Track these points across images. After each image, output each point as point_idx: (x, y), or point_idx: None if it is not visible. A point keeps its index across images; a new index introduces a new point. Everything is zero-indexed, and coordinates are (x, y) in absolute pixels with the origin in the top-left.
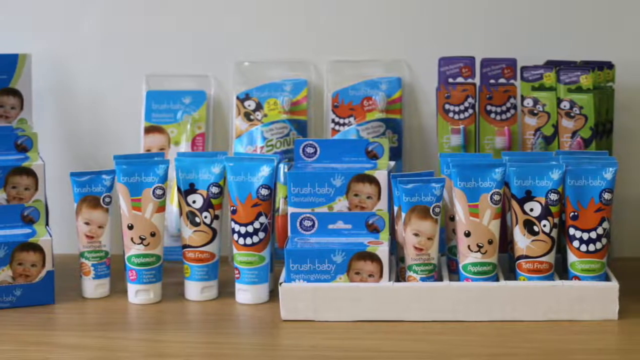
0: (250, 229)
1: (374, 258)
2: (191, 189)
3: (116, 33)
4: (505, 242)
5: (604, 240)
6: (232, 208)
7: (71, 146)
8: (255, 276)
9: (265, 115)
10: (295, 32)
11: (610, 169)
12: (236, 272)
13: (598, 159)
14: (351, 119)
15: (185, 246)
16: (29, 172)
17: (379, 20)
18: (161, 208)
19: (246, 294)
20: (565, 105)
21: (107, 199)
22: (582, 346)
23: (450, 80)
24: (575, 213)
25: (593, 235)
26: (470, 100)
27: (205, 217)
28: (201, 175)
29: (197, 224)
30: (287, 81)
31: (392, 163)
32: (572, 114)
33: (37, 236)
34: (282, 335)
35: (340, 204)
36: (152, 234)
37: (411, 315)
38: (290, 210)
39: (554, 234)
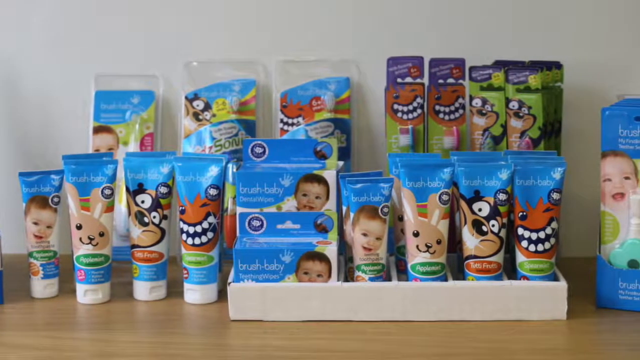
0: (198, 229)
1: (322, 258)
2: (140, 189)
3: (65, 33)
4: (454, 242)
5: (552, 240)
6: (180, 208)
7: (20, 146)
8: (204, 276)
9: (214, 115)
10: (244, 32)
11: (559, 168)
12: (185, 272)
13: (546, 159)
14: (300, 119)
15: (133, 246)
16: None
17: (327, 20)
18: (110, 208)
19: (195, 293)
20: (513, 105)
21: (55, 199)
22: (531, 346)
23: (399, 80)
24: (524, 213)
25: (542, 235)
26: (418, 100)
27: (154, 217)
28: (150, 175)
29: (146, 224)
30: (236, 81)
31: (341, 163)
32: (520, 114)
33: None
34: (231, 335)
35: (289, 204)
36: (101, 234)
37: (360, 315)
38: (239, 210)
39: (502, 234)
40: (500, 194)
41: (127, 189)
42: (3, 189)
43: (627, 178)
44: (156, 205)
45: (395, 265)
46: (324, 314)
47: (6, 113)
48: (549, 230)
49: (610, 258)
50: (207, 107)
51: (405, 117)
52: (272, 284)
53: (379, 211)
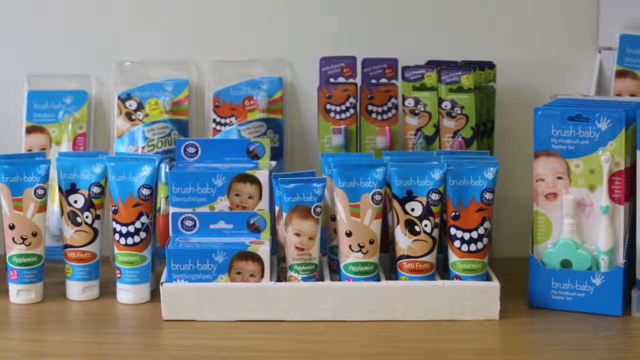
0: (131, 228)
1: (255, 258)
2: (72, 189)
3: None
4: (387, 242)
5: (485, 240)
6: (113, 208)
7: None
8: (137, 276)
9: (147, 115)
10: (177, 32)
11: (491, 168)
12: (117, 272)
13: (479, 159)
14: (232, 119)
15: (66, 246)
16: None
17: (260, 20)
18: (42, 208)
19: (127, 293)
20: (446, 105)
21: None
22: (463, 346)
23: (332, 80)
24: (457, 213)
25: (474, 235)
26: (351, 100)
27: (87, 217)
28: (82, 175)
29: (79, 224)
30: (169, 81)
31: (274, 163)
32: (453, 114)
33: None
34: (164, 335)
35: (222, 204)
36: (34, 234)
37: (293, 315)
38: (172, 210)
39: (435, 233)
40: (433, 193)
41: (60, 189)
42: None
43: (559, 178)
44: (89, 205)
45: (328, 265)
46: (257, 314)
47: None
48: (481, 230)
49: (543, 258)
50: (140, 107)
51: (338, 117)
52: (204, 284)
53: (312, 211)
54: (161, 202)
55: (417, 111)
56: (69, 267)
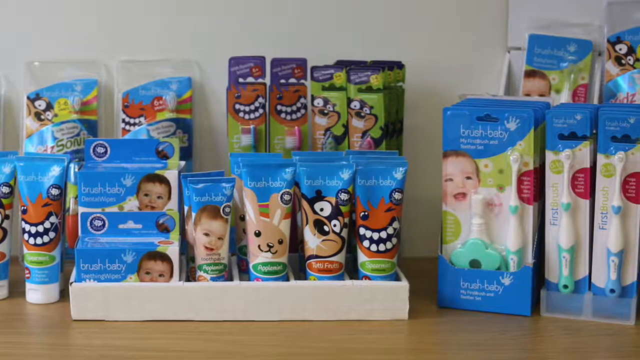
0: (40, 228)
1: (164, 258)
2: None
3: None
4: (296, 241)
5: (394, 240)
6: (22, 208)
7: None
8: (46, 276)
9: (56, 115)
10: (86, 32)
11: (401, 168)
12: (26, 271)
13: (388, 159)
14: (142, 119)
15: None
16: None
17: (169, 20)
18: None
19: (37, 293)
20: (355, 105)
21: None
22: (372, 346)
23: (241, 80)
24: (366, 213)
25: (383, 235)
26: (260, 100)
27: None
28: None
29: None
30: (78, 81)
31: (183, 163)
32: (362, 114)
33: None
34: (73, 335)
35: (131, 204)
36: None
37: (202, 315)
38: (81, 210)
39: (344, 233)
40: (342, 193)
41: None
42: None
43: (468, 178)
44: None
45: (237, 265)
46: (166, 313)
47: None
48: (390, 230)
49: (452, 258)
50: (49, 107)
51: (247, 117)
52: (113, 284)
53: (221, 211)
54: (70, 202)
55: (326, 111)
56: None
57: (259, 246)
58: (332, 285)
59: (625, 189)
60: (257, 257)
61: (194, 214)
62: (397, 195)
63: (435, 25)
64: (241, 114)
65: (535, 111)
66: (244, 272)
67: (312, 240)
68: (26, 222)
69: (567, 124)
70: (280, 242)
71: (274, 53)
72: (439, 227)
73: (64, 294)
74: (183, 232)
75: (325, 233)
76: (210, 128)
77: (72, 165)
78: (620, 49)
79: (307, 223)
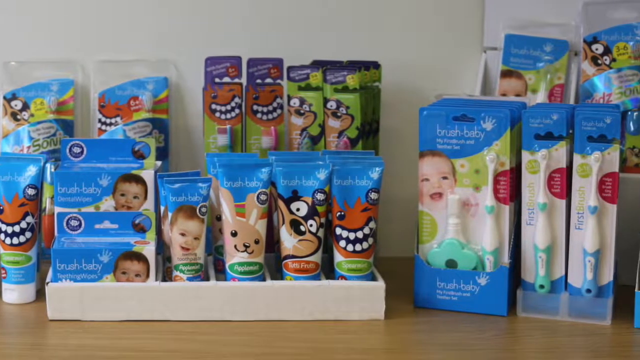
0: (17, 228)
1: (140, 258)
2: None
3: None
4: (272, 241)
5: (370, 240)
6: None
7: None
8: (22, 276)
9: (32, 115)
10: (62, 32)
11: (377, 168)
12: (3, 271)
13: (364, 159)
14: (118, 119)
15: None
16: None
17: (145, 20)
18: None
19: (13, 293)
20: (331, 105)
21: None
22: (349, 345)
23: (217, 80)
24: (342, 213)
25: (359, 235)
26: (236, 100)
27: None
28: None
29: None
30: (54, 81)
31: (159, 163)
32: (338, 114)
33: None
34: (49, 335)
35: (107, 204)
36: None
37: (178, 314)
38: (57, 210)
39: (320, 233)
40: (318, 193)
41: None
42: None
43: (444, 178)
44: None
45: (213, 265)
46: (142, 313)
47: None
48: (367, 230)
49: (428, 258)
50: (25, 107)
51: (223, 117)
52: (90, 284)
53: (197, 211)
54: (46, 202)
55: (302, 111)
56: None
57: (235, 246)
58: (309, 285)
59: (601, 189)
60: (234, 257)
61: (170, 214)
62: (373, 195)
63: (411, 25)
64: (217, 114)
65: (511, 111)
66: (221, 272)
67: (288, 240)
68: (2, 222)
69: (544, 124)
70: (257, 242)
71: (250, 53)
72: (415, 227)
73: (40, 294)
74: (159, 232)
75: (302, 233)
76: (186, 128)
77: (48, 165)
78: (596, 49)
79: (283, 223)
